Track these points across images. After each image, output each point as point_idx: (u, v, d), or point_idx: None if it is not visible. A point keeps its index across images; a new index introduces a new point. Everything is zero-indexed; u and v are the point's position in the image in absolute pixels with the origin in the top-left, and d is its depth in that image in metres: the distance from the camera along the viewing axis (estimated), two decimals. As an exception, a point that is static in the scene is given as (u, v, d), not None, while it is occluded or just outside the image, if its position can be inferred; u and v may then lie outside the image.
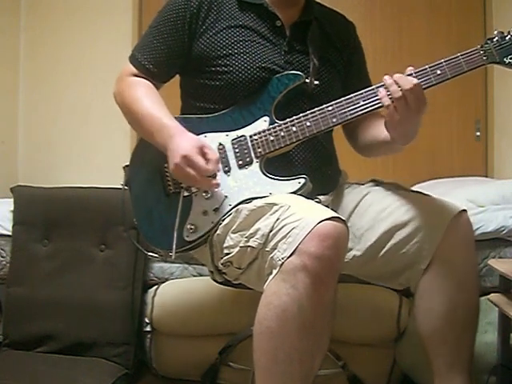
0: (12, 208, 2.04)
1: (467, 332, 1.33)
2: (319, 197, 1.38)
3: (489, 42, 1.27)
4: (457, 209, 1.34)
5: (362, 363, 1.77)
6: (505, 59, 1.26)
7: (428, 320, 1.33)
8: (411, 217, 1.35)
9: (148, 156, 1.43)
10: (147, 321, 1.92)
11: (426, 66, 1.26)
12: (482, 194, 1.87)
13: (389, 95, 1.24)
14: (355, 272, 1.46)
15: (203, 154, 1.27)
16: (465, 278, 1.32)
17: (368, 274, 1.46)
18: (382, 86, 1.26)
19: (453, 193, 1.89)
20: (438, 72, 1.26)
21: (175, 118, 1.37)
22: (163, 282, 1.95)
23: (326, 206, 1.27)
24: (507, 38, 1.26)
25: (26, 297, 1.94)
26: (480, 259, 1.73)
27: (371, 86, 1.50)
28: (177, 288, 1.92)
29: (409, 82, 1.21)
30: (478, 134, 2.83)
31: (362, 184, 1.51)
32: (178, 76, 1.50)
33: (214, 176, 1.29)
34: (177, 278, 1.95)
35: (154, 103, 1.38)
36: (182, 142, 1.27)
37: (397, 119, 1.24)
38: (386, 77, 1.25)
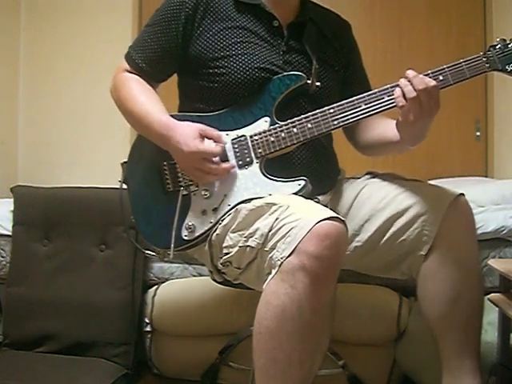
0: (12, 208, 2.05)
1: (473, 316, 1.31)
2: (318, 197, 1.38)
3: (491, 49, 1.27)
4: (454, 193, 1.34)
5: (362, 363, 1.77)
6: (507, 67, 1.26)
7: (433, 305, 1.32)
8: (409, 204, 1.35)
9: (146, 153, 1.43)
10: (147, 321, 1.92)
11: (429, 72, 1.26)
12: (482, 194, 1.87)
13: (403, 95, 1.24)
14: (356, 265, 1.45)
15: (205, 137, 1.29)
16: (467, 261, 1.31)
17: (369, 265, 1.45)
18: (396, 86, 1.26)
19: (453, 193, 1.89)
20: (441, 78, 1.25)
21: (175, 115, 1.37)
22: (163, 282, 1.95)
23: (325, 206, 1.27)
24: (510, 45, 1.26)
25: (26, 297, 1.95)
26: (480, 259, 1.73)
27: (370, 84, 1.52)
28: (177, 288, 1.93)
29: (423, 82, 1.22)
30: (478, 133, 2.82)
31: (359, 178, 1.51)
32: (176, 76, 1.50)
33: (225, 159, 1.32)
34: (177, 278, 1.95)
35: (148, 99, 1.38)
36: (181, 139, 1.28)
37: (411, 120, 1.24)
38: (402, 78, 1.25)
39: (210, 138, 1.30)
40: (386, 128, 1.40)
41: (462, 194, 1.35)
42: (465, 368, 1.28)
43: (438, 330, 1.33)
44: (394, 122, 1.34)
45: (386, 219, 1.36)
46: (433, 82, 1.22)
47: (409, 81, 1.23)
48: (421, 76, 1.23)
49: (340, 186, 1.50)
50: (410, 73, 1.24)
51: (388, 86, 1.29)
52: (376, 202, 1.39)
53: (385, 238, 1.37)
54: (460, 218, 1.33)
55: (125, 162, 1.47)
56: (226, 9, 1.40)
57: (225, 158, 1.33)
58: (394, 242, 1.36)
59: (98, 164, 2.84)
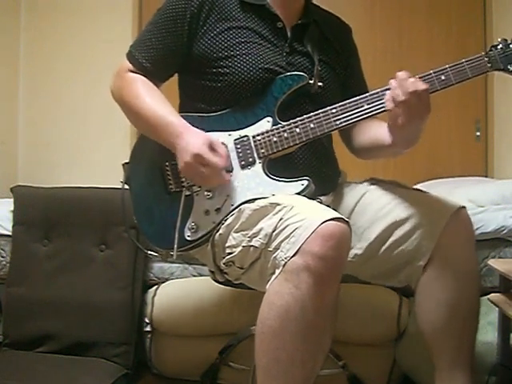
0: (12, 208, 2.04)
1: (469, 328, 1.32)
2: (320, 197, 1.38)
3: (493, 49, 1.26)
4: (456, 205, 1.34)
5: (362, 363, 1.78)
6: (509, 66, 1.26)
7: (429, 317, 1.33)
8: (410, 214, 1.35)
9: (148, 153, 1.43)
10: (147, 321, 1.92)
11: (431, 71, 1.26)
12: (482, 194, 1.87)
13: (393, 99, 1.23)
14: (356, 272, 1.45)
15: (213, 151, 1.28)
16: (465, 274, 1.31)
17: (368, 272, 1.45)
18: (388, 89, 1.25)
19: (453, 193, 1.89)
20: (443, 77, 1.25)
21: None
22: (163, 282, 1.95)
23: (328, 206, 1.27)
24: (511, 45, 1.26)
25: (26, 297, 1.94)
26: (480, 259, 1.73)
27: (367, 88, 1.52)
28: (177, 288, 1.93)
29: (412, 85, 1.20)
30: (478, 134, 2.83)
31: (361, 183, 1.51)
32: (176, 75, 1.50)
33: (228, 171, 1.31)
34: (177, 278, 1.95)
35: (156, 100, 1.36)
36: (192, 140, 1.27)
37: (400, 123, 1.23)
38: (392, 80, 1.24)
39: (217, 153, 1.27)
40: (379, 131, 1.39)
41: (463, 207, 1.35)
42: (457, 381, 1.29)
43: (432, 342, 1.33)
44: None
45: (385, 227, 1.37)
46: (423, 86, 1.21)
47: (398, 82, 1.22)
48: (412, 79, 1.22)
49: (341, 190, 1.50)
50: (401, 74, 1.23)
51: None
52: (377, 209, 1.39)
53: (384, 247, 1.37)
54: (460, 231, 1.33)
55: (126, 163, 1.46)
56: (230, 8, 1.40)
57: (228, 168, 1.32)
58: (394, 251, 1.36)
59: (98, 164, 2.84)
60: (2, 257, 2.04)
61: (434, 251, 1.31)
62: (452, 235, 1.31)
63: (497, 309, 1.41)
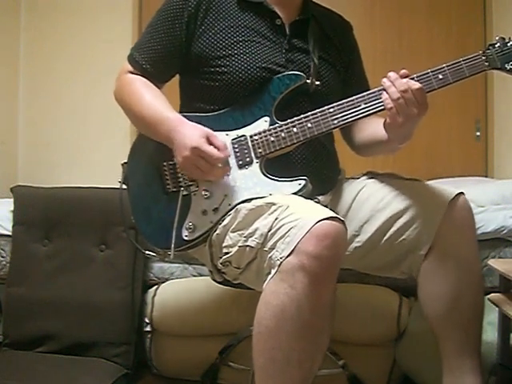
0: (12, 208, 2.05)
1: (474, 315, 1.32)
2: (318, 197, 1.38)
3: (490, 47, 1.26)
4: (454, 192, 1.34)
5: (362, 363, 1.77)
6: (506, 65, 1.26)
7: (434, 305, 1.33)
8: (409, 204, 1.35)
9: (147, 153, 1.43)
10: (147, 321, 1.92)
11: (428, 71, 1.26)
12: (482, 194, 1.87)
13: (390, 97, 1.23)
14: (356, 265, 1.45)
15: (210, 143, 1.28)
16: (467, 259, 1.31)
17: (369, 265, 1.45)
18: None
19: (453, 193, 1.89)
20: (440, 76, 1.25)
21: None
22: (163, 282, 1.95)
23: (325, 206, 1.27)
24: (509, 44, 1.26)
25: (26, 297, 1.95)
26: (480, 259, 1.73)
27: (369, 86, 1.52)
28: (177, 288, 1.93)
29: (405, 84, 1.21)
30: (478, 133, 2.83)
31: (357, 178, 1.51)
32: (178, 75, 1.50)
33: (225, 164, 1.31)
34: (177, 278, 1.95)
35: (154, 98, 1.38)
36: (188, 133, 1.28)
37: (400, 121, 1.24)
38: (385, 79, 1.25)
39: (215, 146, 1.28)
40: (376, 128, 1.40)
41: (462, 193, 1.35)
42: (465, 367, 1.28)
43: (438, 330, 1.33)
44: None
45: (385, 220, 1.37)
46: (416, 85, 1.22)
47: (391, 82, 1.23)
48: (405, 79, 1.23)
49: (340, 186, 1.50)
50: (392, 75, 1.24)
51: None
52: (375, 202, 1.40)
53: (385, 238, 1.37)
54: (459, 217, 1.32)
55: (125, 163, 1.47)
56: (228, 7, 1.40)
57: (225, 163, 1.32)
58: (394, 241, 1.36)
59: (98, 164, 2.84)
60: (2, 257, 2.04)
61: (434, 239, 1.31)
62: (451, 222, 1.31)
63: (497, 309, 1.41)
